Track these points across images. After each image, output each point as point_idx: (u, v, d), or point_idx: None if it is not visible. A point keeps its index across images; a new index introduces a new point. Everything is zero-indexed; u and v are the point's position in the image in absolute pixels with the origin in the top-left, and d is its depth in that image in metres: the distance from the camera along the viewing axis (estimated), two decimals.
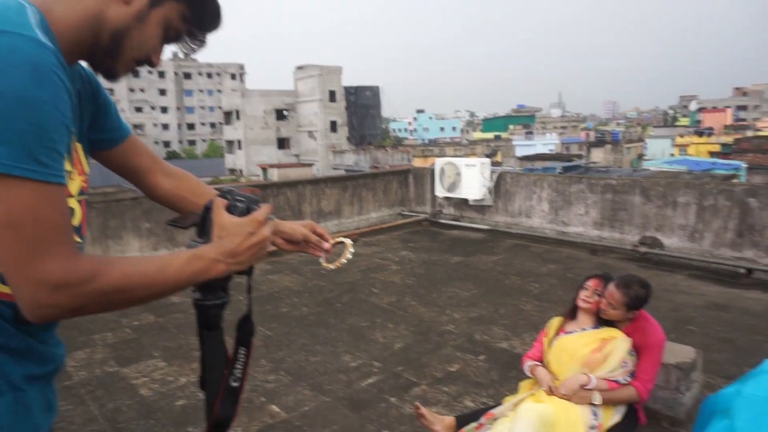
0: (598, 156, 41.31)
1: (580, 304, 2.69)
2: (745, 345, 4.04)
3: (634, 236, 6.83)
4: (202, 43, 1.05)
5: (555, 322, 2.80)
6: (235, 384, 1.01)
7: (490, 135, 71.58)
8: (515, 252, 7.13)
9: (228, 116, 45.62)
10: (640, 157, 43.41)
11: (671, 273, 6.00)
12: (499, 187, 8.43)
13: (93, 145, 1.12)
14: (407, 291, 5.51)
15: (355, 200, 9.07)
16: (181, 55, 1.20)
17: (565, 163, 25.28)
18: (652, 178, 8.13)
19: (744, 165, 23.40)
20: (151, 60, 1.01)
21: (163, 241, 6.72)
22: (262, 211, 0.99)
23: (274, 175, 29.03)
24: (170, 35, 1.00)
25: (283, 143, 44.72)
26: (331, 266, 1.38)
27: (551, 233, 7.71)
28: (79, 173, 0.98)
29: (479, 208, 8.67)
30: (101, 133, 1.14)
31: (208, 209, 1.00)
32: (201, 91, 72.90)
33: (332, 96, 43.75)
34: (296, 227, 1.32)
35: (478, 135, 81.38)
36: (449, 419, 2.64)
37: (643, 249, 6.54)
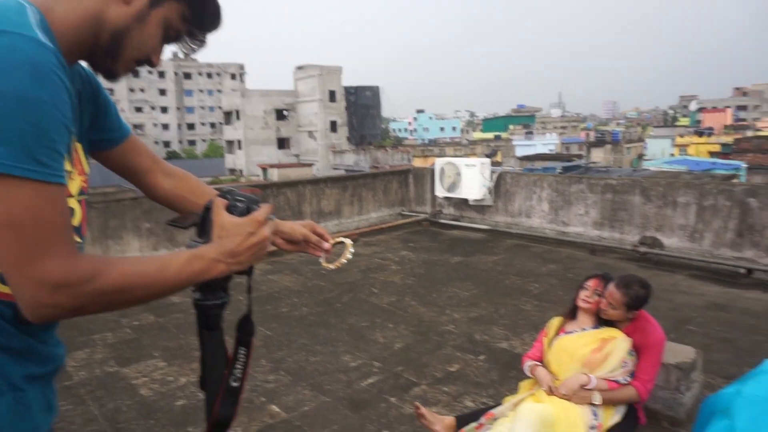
0: (598, 156, 41.31)
1: (580, 304, 2.69)
2: (745, 345, 4.04)
3: (634, 236, 6.83)
4: (202, 43, 1.05)
5: (555, 322, 2.81)
6: (235, 384, 1.01)
7: (490, 135, 71.60)
8: (515, 252, 7.13)
9: (228, 116, 45.63)
10: (640, 157, 43.41)
11: (671, 273, 6.00)
12: (499, 187, 8.43)
13: (93, 145, 1.13)
14: (407, 291, 5.51)
15: (355, 200, 9.07)
16: (181, 55, 1.20)
17: (565, 163, 25.28)
18: (652, 178, 8.14)
19: (744, 165, 23.40)
20: (151, 60, 1.01)
21: (163, 241, 6.72)
22: (262, 211, 0.99)
23: (274, 175, 29.03)
24: (170, 35, 1.00)
25: (283, 143, 44.74)
26: (331, 266, 1.38)
27: (551, 233, 7.71)
28: (79, 173, 0.98)
29: (479, 208, 8.67)
30: (101, 133, 1.14)
31: (208, 209, 1.00)
32: (201, 91, 72.91)
33: (332, 96, 43.75)
34: (296, 227, 1.32)
35: (478, 135, 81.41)
36: (449, 419, 2.64)
37: (643, 249, 6.54)
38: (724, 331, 4.32)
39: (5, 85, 0.73)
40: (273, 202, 7.81)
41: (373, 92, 53.41)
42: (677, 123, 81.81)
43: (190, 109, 72.47)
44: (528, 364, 2.71)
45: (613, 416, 2.45)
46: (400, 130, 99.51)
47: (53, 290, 0.77)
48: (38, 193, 0.76)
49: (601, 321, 2.66)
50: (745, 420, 1.85)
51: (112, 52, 0.95)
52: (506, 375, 3.58)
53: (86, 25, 0.90)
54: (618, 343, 2.54)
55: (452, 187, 8.73)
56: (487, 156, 23.78)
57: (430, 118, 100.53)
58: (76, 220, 0.97)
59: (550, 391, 2.47)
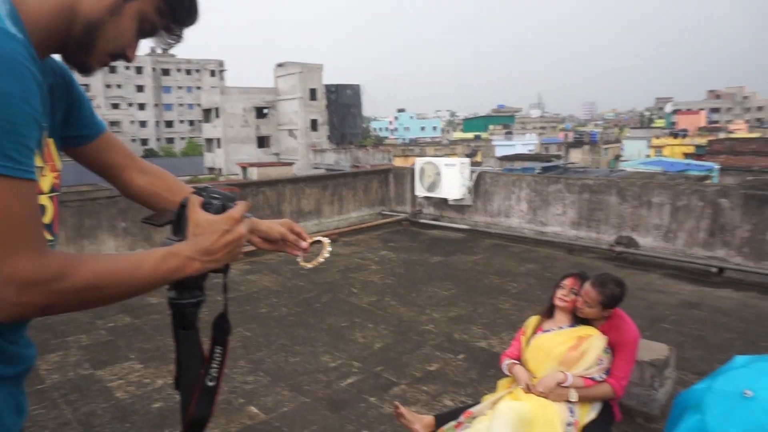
0: (577, 156, 41.87)
1: (557, 302, 2.73)
2: (716, 342, 4.13)
3: (610, 236, 6.94)
4: (178, 38, 1.04)
5: (532, 320, 2.84)
6: (211, 383, 1.00)
7: (470, 135, 72.03)
8: (494, 252, 7.19)
9: (207, 114, 45.09)
10: (617, 157, 44.12)
11: (646, 272, 6.11)
12: (479, 186, 8.49)
13: (66, 142, 1.10)
14: (387, 291, 5.52)
15: (336, 200, 9.04)
16: (158, 50, 1.18)
17: (544, 163, 25.59)
18: (628, 179, 8.28)
19: (717, 166, 23.95)
20: (126, 54, 0.99)
21: (139, 240, 6.62)
22: (238, 208, 0.98)
23: (254, 173, 28.79)
24: (146, 29, 0.99)
25: (263, 142, 44.38)
26: (309, 265, 1.38)
27: (530, 233, 7.79)
28: (51, 169, 0.96)
29: (459, 207, 8.72)
30: (75, 129, 1.11)
31: (183, 206, 0.98)
32: (179, 87, 71.92)
33: (313, 94, 43.54)
34: (274, 226, 1.32)
35: (458, 135, 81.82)
36: (428, 418, 2.65)
37: (619, 248, 6.65)
38: (697, 328, 4.42)
39: None
40: (252, 201, 7.75)
41: (354, 91, 53.30)
42: (653, 125, 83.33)
43: (168, 106, 71.46)
44: (506, 362, 2.73)
45: (589, 413, 2.48)
46: (380, 129, 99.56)
47: (22, 288, 0.75)
48: (7, 189, 0.74)
49: (578, 319, 2.69)
50: (715, 414, 1.90)
51: (86, 45, 0.93)
52: (485, 374, 3.61)
53: (59, 16, 0.88)
54: (594, 341, 2.58)
55: (432, 186, 8.77)
56: (468, 156, 23.94)
57: (411, 117, 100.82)
58: (48, 218, 0.95)
59: (528, 389, 2.50)
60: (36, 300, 0.77)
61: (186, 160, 49.44)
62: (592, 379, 2.48)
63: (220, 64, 74.74)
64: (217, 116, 43.06)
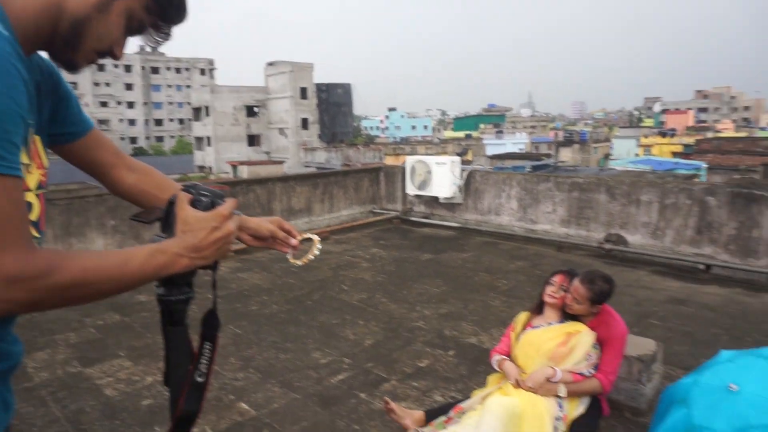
0: (567, 155, 42.11)
1: (546, 299, 2.75)
2: (703, 337, 4.19)
3: (599, 233, 7.00)
4: (167, 35, 1.04)
5: (522, 317, 2.86)
6: (200, 379, 1.00)
7: (461, 134, 72.13)
8: (484, 249, 7.22)
9: (197, 112, 44.82)
10: (607, 156, 44.44)
11: (634, 269, 6.17)
12: (469, 185, 8.52)
13: (54, 139, 1.10)
14: (378, 288, 5.53)
15: (326, 198, 9.04)
16: (147, 49, 1.18)
17: (534, 162, 25.71)
18: (617, 177, 8.34)
19: (704, 165, 24.21)
20: (113, 52, 0.99)
21: (129, 238, 6.58)
22: (227, 205, 0.98)
23: (244, 172, 28.65)
24: (134, 27, 0.98)
25: (253, 140, 44.20)
26: (299, 262, 1.38)
27: (520, 231, 7.84)
28: (37, 167, 0.96)
29: (449, 206, 8.74)
30: (62, 127, 1.11)
31: (171, 204, 0.98)
32: (169, 86, 71.40)
33: (303, 93, 43.42)
34: (263, 223, 1.32)
35: (449, 134, 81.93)
36: (418, 413, 2.66)
37: (608, 246, 6.71)
38: (684, 324, 4.47)
39: None
40: (242, 199, 7.73)
41: (345, 90, 53.24)
42: (642, 124, 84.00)
43: (158, 105, 70.92)
44: (496, 358, 2.75)
45: (578, 407, 2.51)
46: (371, 128, 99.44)
47: (8, 285, 0.75)
48: None
49: (567, 315, 2.72)
50: (701, 408, 1.92)
51: (73, 42, 0.93)
52: (475, 369, 3.63)
53: (45, 13, 0.88)
54: (582, 337, 2.60)
55: (423, 185, 8.79)
56: (458, 155, 23.98)
57: (402, 116, 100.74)
58: (34, 215, 0.94)
59: (517, 385, 2.52)
60: (22, 296, 0.77)
61: (176, 159, 49.13)
62: (580, 374, 2.50)
63: (210, 62, 74.28)
64: (207, 115, 42.81)
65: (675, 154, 34.32)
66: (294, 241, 1.35)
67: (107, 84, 66.48)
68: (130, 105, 68.59)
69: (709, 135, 42.86)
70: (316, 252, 1.38)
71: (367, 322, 4.56)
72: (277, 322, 4.60)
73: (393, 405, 2.67)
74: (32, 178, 0.93)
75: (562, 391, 2.45)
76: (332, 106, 51.16)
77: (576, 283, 2.66)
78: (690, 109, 73.59)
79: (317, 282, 5.73)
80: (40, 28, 0.89)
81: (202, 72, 71.97)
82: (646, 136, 47.73)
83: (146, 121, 70.00)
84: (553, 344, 2.61)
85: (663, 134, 48.08)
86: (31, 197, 0.93)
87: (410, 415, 2.64)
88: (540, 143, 50.28)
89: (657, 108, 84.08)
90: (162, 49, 1.08)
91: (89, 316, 4.67)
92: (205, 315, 1.04)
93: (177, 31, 1.05)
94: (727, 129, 55.75)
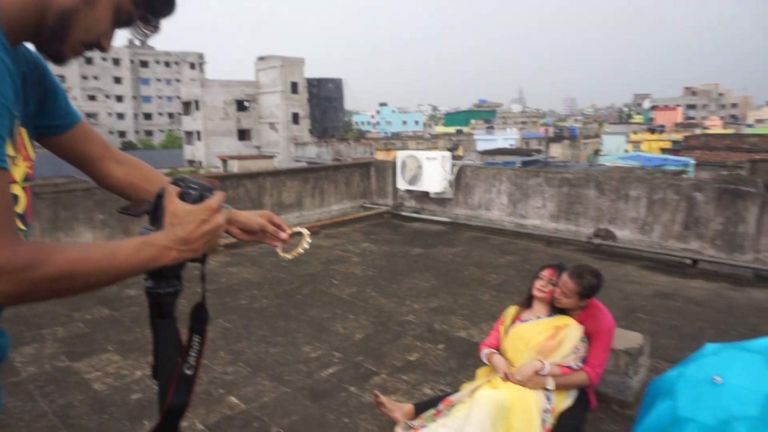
0: (557, 151, 42.24)
1: (535, 293, 2.77)
2: (688, 331, 4.24)
3: (588, 228, 7.05)
4: (155, 28, 1.03)
5: (511, 310, 2.88)
6: (189, 372, 1.00)
7: (452, 129, 72.21)
8: (474, 244, 7.25)
9: (187, 106, 44.45)
10: (597, 152, 44.66)
11: (622, 264, 6.23)
12: (460, 180, 8.54)
13: (41, 131, 1.09)
14: (368, 282, 5.54)
15: (317, 192, 9.02)
16: (136, 42, 1.17)
17: (524, 157, 25.78)
18: (606, 173, 8.40)
19: (692, 161, 24.40)
20: (101, 44, 0.98)
21: (117, 232, 6.54)
22: (216, 198, 0.98)
23: (234, 166, 28.50)
24: (121, 19, 0.98)
25: (243, 135, 43.94)
26: (289, 256, 1.38)
27: (510, 225, 7.87)
28: (23, 159, 0.95)
29: (440, 200, 8.77)
30: (49, 119, 1.10)
31: (160, 197, 0.98)
32: (158, 80, 70.70)
33: (294, 87, 43.19)
34: (253, 217, 1.32)
35: (440, 129, 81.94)
36: (408, 406, 2.68)
37: (597, 241, 6.76)
38: (671, 318, 4.52)
39: None
40: (233, 193, 7.69)
41: (336, 84, 53.01)
42: (631, 120, 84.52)
43: (147, 99, 70.23)
44: (485, 351, 2.77)
45: (566, 400, 2.54)
46: (362, 123, 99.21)
47: None
48: None
49: (555, 309, 2.74)
50: (686, 400, 1.95)
51: (59, 34, 0.92)
52: (464, 363, 3.66)
53: (32, 4, 0.87)
54: (571, 331, 2.63)
55: (413, 180, 8.80)
56: (449, 150, 24.00)
57: (393, 111, 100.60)
58: (21, 207, 0.94)
59: (506, 378, 2.54)
60: (8, 288, 0.76)
61: (166, 153, 48.72)
62: (568, 367, 2.53)
63: (200, 56, 73.65)
64: (197, 109, 42.49)
65: (663, 151, 34.59)
66: (284, 235, 1.35)
67: (95, 77, 65.69)
68: (119, 99, 67.84)
69: (698, 132, 43.22)
70: (306, 246, 1.38)
71: (357, 316, 4.57)
72: (267, 316, 4.59)
73: (383, 398, 2.69)
74: (18, 170, 0.93)
75: (551, 384, 2.47)
76: (323, 101, 50.94)
77: (565, 277, 2.68)
78: (679, 105, 74.20)
79: (307, 276, 5.73)
80: (26, 20, 0.88)
81: (192, 66, 71.34)
82: (635, 133, 48.06)
83: (135, 115, 69.30)
84: (541, 338, 2.63)
85: (652, 131, 48.47)
86: (17, 189, 0.92)
87: (400, 408, 2.66)
88: (530, 139, 50.43)
89: (646, 104, 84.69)
90: (151, 42, 1.08)
91: (77, 310, 4.64)
92: (194, 308, 1.04)
93: (166, 24, 1.04)
94: (715, 126, 56.29)
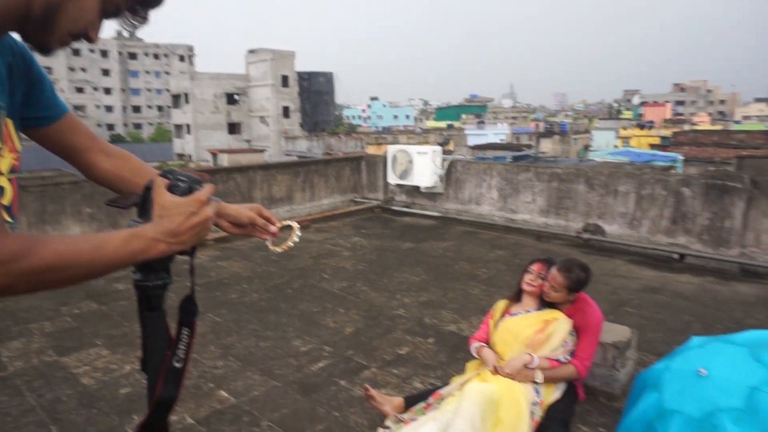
0: (547, 146, 42.47)
1: (525, 287, 2.79)
2: (675, 324, 4.29)
3: (578, 223, 7.10)
4: (144, 19, 1.02)
5: (501, 304, 2.90)
6: (178, 365, 1.00)
7: (443, 124, 72.16)
8: (465, 238, 7.27)
9: (176, 99, 44.08)
10: (587, 148, 44.95)
11: (611, 258, 6.28)
12: (450, 174, 8.55)
13: (28, 123, 1.08)
14: (359, 276, 5.54)
15: (307, 186, 9.00)
16: (124, 33, 1.16)
17: (515, 152, 25.89)
18: (596, 168, 8.45)
19: (681, 157, 24.62)
20: (88, 35, 0.97)
21: (106, 226, 6.48)
22: (205, 191, 0.97)
23: (224, 160, 28.37)
24: (109, 10, 0.96)
25: (234, 128, 43.67)
26: (278, 249, 1.38)
27: (500, 220, 7.91)
28: (9, 150, 0.94)
29: (430, 195, 8.78)
30: (36, 110, 1.09)
31: (148, 189, 0.97)
32: (147, 72, 70.00)
33: (285, 81, 42.97)
34: (242, 210, 1.31)
35: (431, 123, 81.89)
36: (398, 400, 2.69)
37: (586, 235, 6.81)
38: (658, 312, 4.57)
39: None
40: (223, 187, 7.66)
41: (327, 78, 52.78)
42: (621, 116, 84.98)
43: (136, 91, 69.52)
44: (475, 345, 2.79)
45: (554, 393, 2.56)
46: (353, 117, 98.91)
47: None
48: None
49: (544, 303, 2.77)
50: (672, 392, 1.98)
51: (46, 24, 0.91)
52: (454, 357, 3.68)
53: None
54: (559, 324, 2.65)
55: (404, 174, 8.79)
56: (440, 144, 24.02)
57: (384, 105, 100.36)
58: (6, 199, 0.93)
59: (495, 371, 2.56)
60: None
61: (155, 146, 48.35)
62: (557, 360, 2.55)
63: (190, 49, 72.95)
64: (187, 102, 42.15)
65: (653, 146, 34.83)
66: (273, 228, 1.35)
67: (83, 69, 64.90)
68: (107, 91, 67.11)
69: (686, 128, 43.55)
70: (296, 239, 1.38)
71: (348, 311, 4.57)
72: (257, 310, 4.58)
73: (373, 392, 2.69)
74: (4, 162, 0.92)
75: (539, 377, 2.50)
76: (314, 95, 50.71)
77: (554, 271, 2.70)
78: (668, 102, 74.71)
79: (298, 270, 5.72)
80: (12, 9, 0.86)
81: (182, 58, 70.65)
82: (624, 128, 48.38)
83: (124, 108, 68.62)
84: (530, 331, 2.65)
85: (641, 126, 48.80)
86: (3, 181, 0.91)
87: (390, 402, 2.67)
88: (521, 134, 50.63)
89: (636, 100, 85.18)
90: (140, 34, 1.07)
91: (65, 304, 4.60)
92: (183, 300, 1.04)
93: (155, 15, 1.03)
94: (704, 122, 56.77)
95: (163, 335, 1.00)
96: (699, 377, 1.94)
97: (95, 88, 66.00)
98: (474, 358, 2.81)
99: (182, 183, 0.99)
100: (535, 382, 2.50)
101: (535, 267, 2.81)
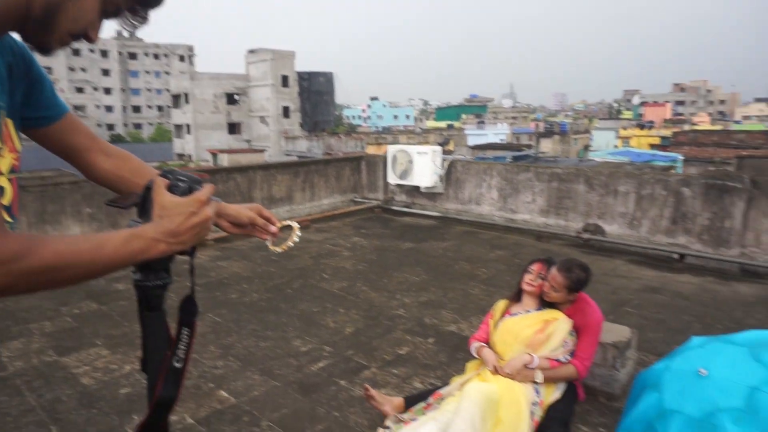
0: (547, 146, 42.48)
1: (525, 287, 2.79)
2: (675, 324, 4.29)
3: (578, 223, 7.10)
4: (143, 19, 1.02)
5: (501, 304, 2.90)
6: (178, 365, 1.00)
7: (443, 124, 72.15)
8: (465, 238, 7.27)
9: (176, 99, 44.08)
10: (587, 148, 44.96)
11: (611, 258, 6.28)
12: (450, 174, 8.55)
13: (28, 123, 1.08)
14: (359, 276, 5.54)
15: (307, 186, 9.00)
16: (124, 33, 1.16)
17: (515, 152, 25.90)
18: (596, 168, 8.45)
19: (681, 157, 24.62)
20: (88, 35, 0.97)
21: (106, 226, 6.48)
22: (205, 190, 0.97)
23: (224, 160, 28.37)
24: (109, 10, 0.96)
25: (234, 128, 43.67)
26: (278, 249, 1.38)
27: (500, 220, 7.91)
28: (9, 150, 0.94)
29: (430, 195, 8.78)
30: (36, 110, 1.09)
31: (148, 189, 0.97)
32: (147, 72, 70.00)
33: (285, 81, 42.98)
34: (242, 210, 1.31)
35: (431, 123, 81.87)
36: (398, 400, 2.69)
37: (586, 235, 6.81)
38: (658, 312, 4.57)
39: None
40: (223, 187, 7.66)
41: (327, 78, 52.77)
42: (621, 116, 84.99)
43: (136, 91, 69.52)
44: (475, 345, 2.79)
45: (554, 393, 2.56)
46: (353, 117, 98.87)
47: None
48: None
49: (544, 303, 2.77)
50: (672, 392, 1.98)
51: (46, 24, 0.91)
52: (454, 357, 3.68)
53: None
54: (559, 324, 2.65)
55: (404, 174, 8.79)
56: (440, 144, 24.02)
57: (384, 105, 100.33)
58: (6, 199, 0.93)
59: (495, 371, 2.56)
60: None
61: (155, 146, 48.35)
62: (557, 360, 2.55)
63: (190, 49, 72.96)
64: (187, 102, 42.16)
65: (652, 146, 34.83)
66: (273, 228, 1.35)
67: (83, 69, 64.90)
68: (107, 91, 67.11)
69: (686, 128, 43.56)
70: (296, 239, 1.38)
71: (348, 311, 4.57)
72: (257, 310, 4.58)
73: (373, 392, 2.69)
74: (4, 162, 0.92)
75: (539, 377, 2.50)
76: (314, 95, 50.70)
77: (553, 271, 2.70)
78: (668, 102, 74.73)
79: (298, 270, 5.72)
80: (12, 9, 0.86)
81: (182, 58, 70.65)
82: (624, 128, 48.40)
83: (124, 108, 68.62)
84: (530, 331, 2.65)
85: (641, 126, 48.82)
86: (3, 181, 0.91)
87: (390, 402, 2.67)
88: (521, 134, 50.64)
89: (636, 100, 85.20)
90: (140, 34, 1.07)
91: (65, 304, 4.60)
92: (183, 300, 1.04)
93: (154, 15, 1.03)
94: (703, 122, 56.78)
95: (163, 335, 1.00)
96: (699, 377, 1.94)
97: (95, 88, 66.00)
98: (474, 358, 2.81)
99: (182, 183, 0.99)
100: (535, 382, 2.50)
101: (535, 267, 2.81)
